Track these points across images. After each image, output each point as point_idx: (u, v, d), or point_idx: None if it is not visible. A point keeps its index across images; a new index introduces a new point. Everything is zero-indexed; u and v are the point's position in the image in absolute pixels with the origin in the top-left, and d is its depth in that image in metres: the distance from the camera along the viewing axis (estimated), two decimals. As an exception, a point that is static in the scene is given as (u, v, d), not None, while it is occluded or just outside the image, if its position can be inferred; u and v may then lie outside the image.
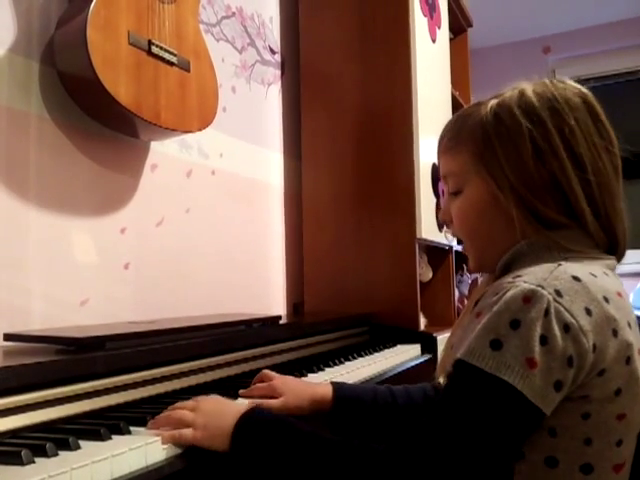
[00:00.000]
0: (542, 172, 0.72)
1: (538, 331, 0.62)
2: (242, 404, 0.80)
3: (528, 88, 0.76)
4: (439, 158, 0.85)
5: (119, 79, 1.14)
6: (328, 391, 0.94)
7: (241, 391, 0.94)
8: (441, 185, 2.05)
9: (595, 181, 0.72)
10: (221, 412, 0.76)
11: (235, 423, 0.73)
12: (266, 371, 0.98)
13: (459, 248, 2.14)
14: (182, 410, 0.76)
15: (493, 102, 0.78)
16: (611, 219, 0.74)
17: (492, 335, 0.63)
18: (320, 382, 1.04)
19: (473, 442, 0.62)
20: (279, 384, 0.93)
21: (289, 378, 0.98)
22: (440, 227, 2.01)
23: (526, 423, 0.63)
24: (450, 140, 0.81)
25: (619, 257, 0.77)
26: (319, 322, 1.56)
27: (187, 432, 0.73)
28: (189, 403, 0.79)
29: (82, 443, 0.65)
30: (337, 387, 0.95)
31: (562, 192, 0.72)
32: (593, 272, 0.68)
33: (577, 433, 0.66)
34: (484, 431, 0.62)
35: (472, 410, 0.62)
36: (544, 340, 0.62)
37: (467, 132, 0.78)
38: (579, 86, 0.77)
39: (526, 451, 0.66)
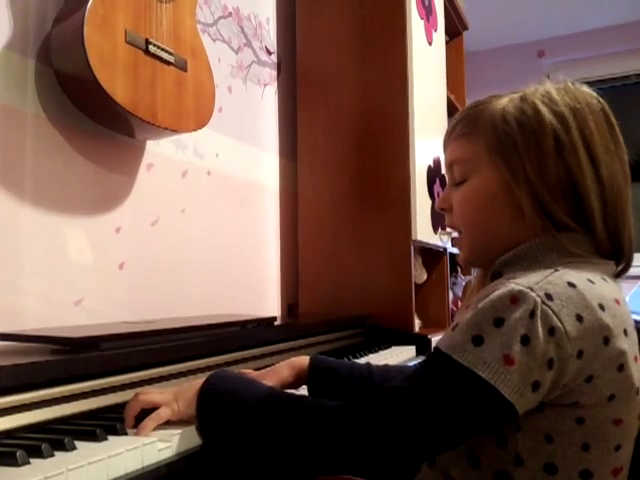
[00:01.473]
0: (560, 169, 0.72)
1: (521, 331, 0.62)
2: None
3: (550, 87, 0.76)
4: (447, 145, 0.84)
5: (116, 78, 1.13)
6: (305, 360, 0.95)
7: None
8: (436, 187, 2.05)
9: (609, 185, 0.72)
10: (188, 385, 0.78)
11: (200, 388, 0.75)
12: (244, 370, 0.99)
13: (454, 250, 2.14)
14: (148, 394, 0.77)
15: (514, 95, 0.77)
16: (619, 225, 0.74)
17: (475, 331, 0.64)
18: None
19: (428, 424, 0.63)
20: (257, 372, 0.94)
21: None
22: (435, 228, 2.01)
23: (493, 417, 0.64)
24: (464, 127, 0.80)
25: (625, 266, 0.76)
26: (314, 323, 1.56)
27: (164, 409, 0.73)
28: (151, 388, 0.80)
29: (78, 444, 0.65)
30: (314, 357, 0.96)
31: (575, 193, 0.72)
32: (591, 279, 0.68)
33: (574, 439, 0.65)
34: (441, 416, 0.63)
35: (437, 392, 0.63)
36: (526, 340, 0.62)
37: (485, 120, 0.77)
38: (596, 94, 0.77)
39: (525, 458, 0.66)
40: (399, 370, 0.99)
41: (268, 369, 0.94)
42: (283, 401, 0.71)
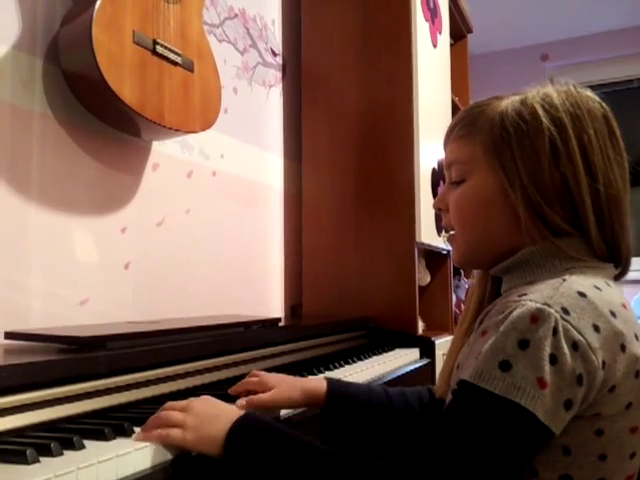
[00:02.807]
0: (555, 175, 0.71)
1: (547, 350, 0.61)
2: (235, 408, 0.78)
3: (552, 91, 0.76)
4: (447, 145, 0.83)
5: (123, 78, 1.14)
6: (321, 385, 0.92)
7: (230, 388, 0.92)
8: (440, 189, 2.05)
9: (605, 192, 0.72)
10: (213, 415, 0.73)
11: (228, 430, 0.70)
12: (255, 370, 0.96)
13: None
14: (172, 411, 0.73)
15: (515, 98, 0.77)
16: (616, 232, 0.73)
17: (500, 356, 0.62)
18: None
19: (483, 466, 0.61)
20: (269, 378, 0.91)
21: (280, 374, 0.96)
22: (439, 231, 2.01)
23: (535, 443, 0.62)
24: (463, 128, 0.79)
25: (622, 272, 0.76)
26: (318, 325, 1.56)
27: (176, 432, 0.69)
28: (180, 403, 0.76)
29: (86, 443, 0.65)
30: (331, 383, 0.93)
31: (570, 198, 0.72)
32: (597, 285, 0.67)
33: (592, 450, 0.65)
34: (494, 454, 0.61)
35: (482, 433, 0.61)
36: (554, 359, 0.60)
37: (483, 122, 0.77)
38: (599, 99, 0.77)
39: (540, 470, 0.65)
40: (415, 393, 0.97)
41: (280, 384, 0.90)
42: (327, 461, 0.67)
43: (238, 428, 0.71)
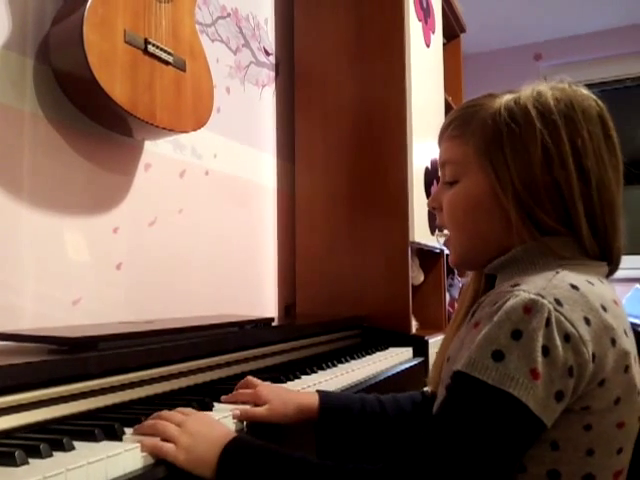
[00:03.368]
0: (546, 179, 0.71)
1: (540, 341, 0.61)
2: (227, 428, 0.77)
3: (546, 90, 0.75)
4: (441, 143, 0.83)
5: (115, 78, 1.13)
6: (314, 400, 0.91)
7: (223, 397, 0.91)
8: (434, 189, 2.06)
9: (598, 197, 0.71)
10: (207, 437, 0.72)
11: (220, 454, 0.70)
12: (250, 377, 0.95)
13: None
14: (168, 423, 0.73)
15: (508, 97, 0.76)
16: (608, 233, 0.73)
17: (493, 346, 0.62)
18: (306, 390, 1.02)
19: (478, 458, 0.61)
20: (264, 391, 0.90)
21: (274, 386, 0.95)
22: (432, 230, 2.01)
23: (528, 435, 0.63)
24: (456, 128, 0.79)
25: (612, 270, 0.76)
26: (311, 324, 1.56)
27: (170, 448, 0.69)
28: (176, 416, 0.75)
29: (76, 444, 0.64)
30: (323, 396, 0.93)
31: (562, 201, 0.71)
32: (590, 280, 0.68)
33: (579, 445, 0.65)
34: (488, 446, 0.61)
35: (475, 425, 0.61)
36: (546, 351, 0.61)
37: (476, 123, 0.76)
38: (595, 97, 0.76)
39: (528, 465, 0.65)
40: (408, 397, 0.97)
41: (274, 400, 0.89)
42: (321, 474, 0.66)
43: (230, 451, 0.71)
